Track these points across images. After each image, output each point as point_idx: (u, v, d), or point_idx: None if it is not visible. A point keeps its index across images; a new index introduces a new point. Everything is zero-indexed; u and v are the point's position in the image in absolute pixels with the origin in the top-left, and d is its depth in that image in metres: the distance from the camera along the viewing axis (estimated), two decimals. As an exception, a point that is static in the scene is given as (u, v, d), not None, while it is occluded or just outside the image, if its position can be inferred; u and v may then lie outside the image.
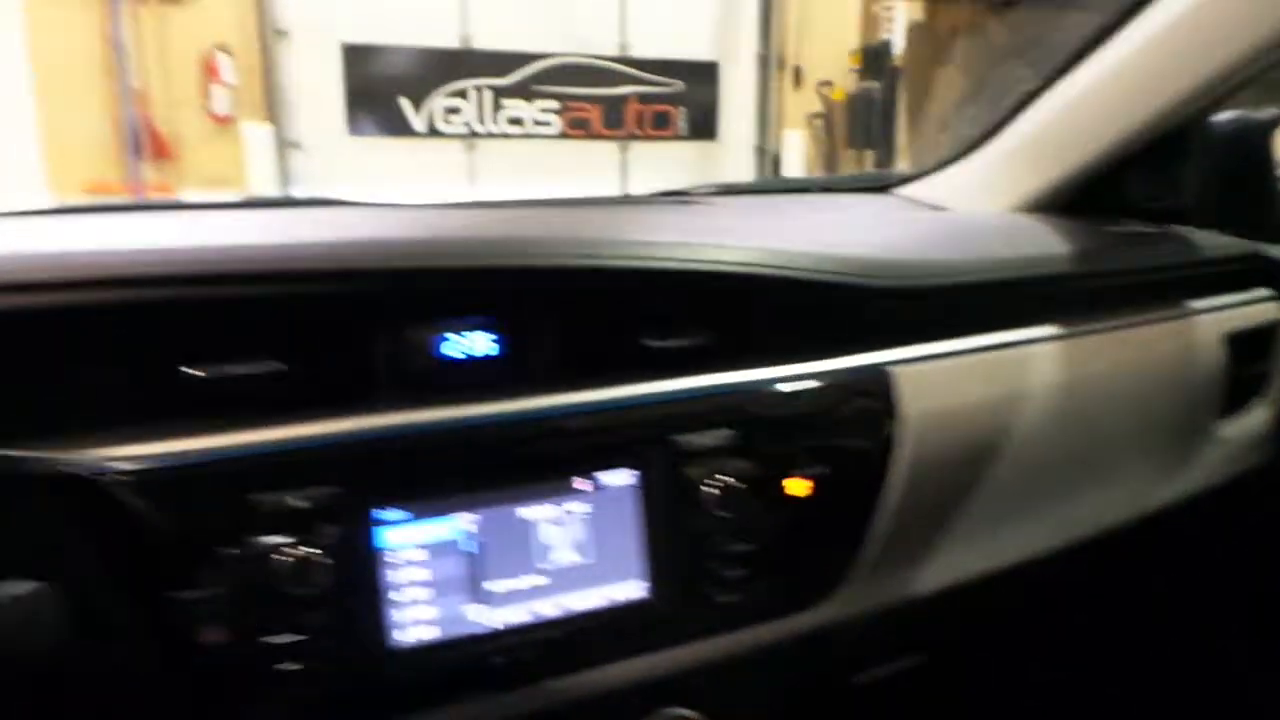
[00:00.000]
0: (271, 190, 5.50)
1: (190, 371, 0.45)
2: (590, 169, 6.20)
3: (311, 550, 0.45)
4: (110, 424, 0.44)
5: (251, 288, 0.47)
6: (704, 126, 6.44)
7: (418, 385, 0.51)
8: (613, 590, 0.56)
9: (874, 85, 5.95)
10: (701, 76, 6.36)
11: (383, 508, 0.49)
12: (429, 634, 0.51)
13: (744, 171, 6.47)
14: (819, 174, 6.47)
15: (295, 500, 0.45)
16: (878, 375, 0.61)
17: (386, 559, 0.49)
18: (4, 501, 0.40)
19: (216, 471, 0.45)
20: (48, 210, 0.73)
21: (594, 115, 6.18)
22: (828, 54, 6.37)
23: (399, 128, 5.83)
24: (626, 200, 1.10)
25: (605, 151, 6.30)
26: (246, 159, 5.49)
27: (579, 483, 0.54)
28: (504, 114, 6.02)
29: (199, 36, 5.26)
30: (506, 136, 6.06)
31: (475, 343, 0.53)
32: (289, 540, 0.45)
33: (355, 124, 5.73)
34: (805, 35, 6.42)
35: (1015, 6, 5.07)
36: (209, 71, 5.32)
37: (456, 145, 6.00)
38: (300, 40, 5.50)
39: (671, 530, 0.56)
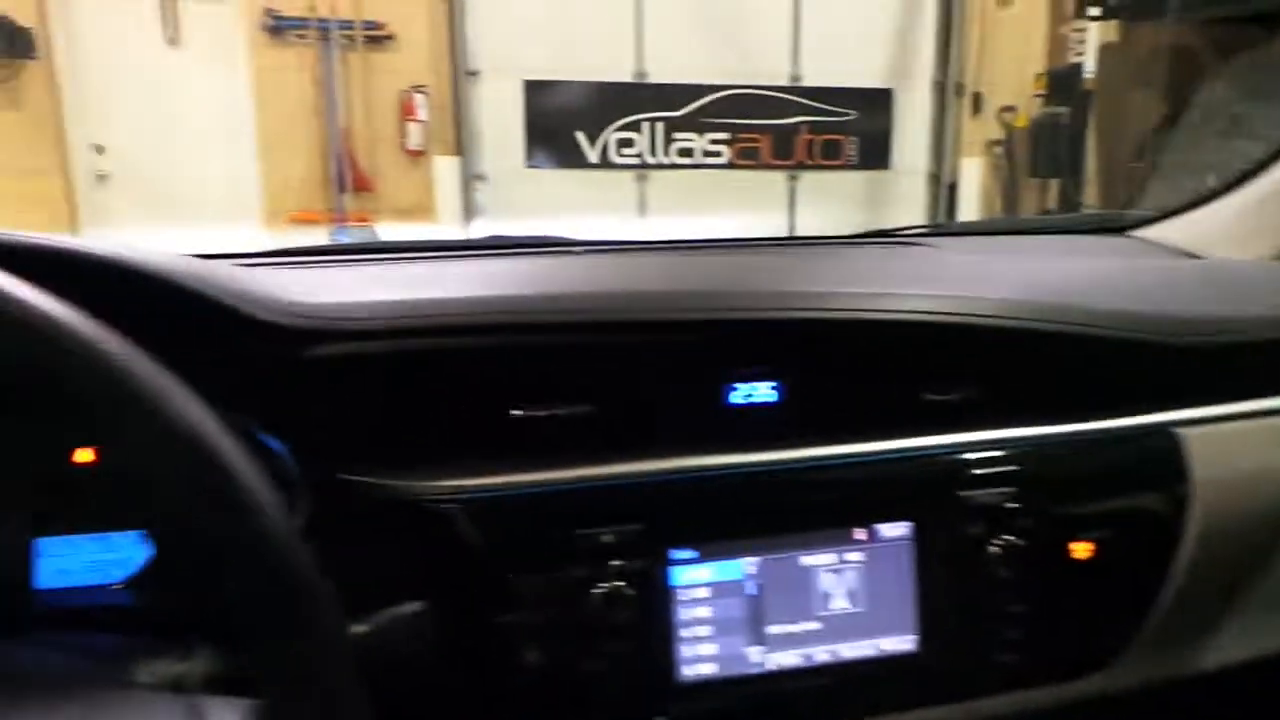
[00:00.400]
0: (457, 219, 5.85)
1: (517, 412, 0.50)
2: (758, 199, 6.21)
3: (618, 583, 0.48)
4: (453, 457, 0.49)
5: (573, 336, 0.51)
6: (876, 155, 6.31)
7: (708, 431, 0.54)
8: (884, 641, 0.56)
9: (1061, 110, 5.66)
10: (875, 104, 6.25)
11: (677, 547, 0.52)
12: (712, 670, 0.53)
13: (917, 201, 6.29)
14: (998, 203, 6.20)
15: (606, 535, 0.49)
16: (1168, 436, 0.58)
17: (679, 596, 0.52)
18: (388, 526, 0.45)
19: (539, 504, 0.49)
20: (300, 254, 0.81)
21: (763, 145, 6.20)
22: (1009, 79, 6.12)
23: (572, 160, 6.06)
24: (849, 241, 1.10)
25: (773, 182, 6.30)
26: (436, 190, 5.86)
27: (857, 532, 0.55)
28: (675, 145, 6.14)
29: (399, 78, 5.67)
30: (676, 167, 6.17)
31: (760, 391, 0.55)
32: (600, 572, 0.48)
33: (532, 157, 6.01)
34: (985, 60, 6.19)
35: (1224, 24, 4.69)
36: (406, 110, 5.72)
37: (626, 177, 6.17)
38: (488, 79, 5.83)
39: (946, 585, 0.56)
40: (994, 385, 0.57)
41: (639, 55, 5.95)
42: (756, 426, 0.55)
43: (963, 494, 0.55)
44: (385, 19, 5.56)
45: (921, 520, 0.55)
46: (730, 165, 6.21)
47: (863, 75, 6.18)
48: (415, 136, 5.79)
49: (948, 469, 0.55)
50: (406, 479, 0.48)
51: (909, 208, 6.30)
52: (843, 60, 6.11)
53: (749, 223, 6.25)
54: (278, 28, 5.41)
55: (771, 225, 6.26)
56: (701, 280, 0.66)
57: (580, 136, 6.04)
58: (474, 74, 5.81)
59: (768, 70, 6.08)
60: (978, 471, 0.55)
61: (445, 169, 5.87)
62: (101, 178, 5.35)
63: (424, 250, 0.98)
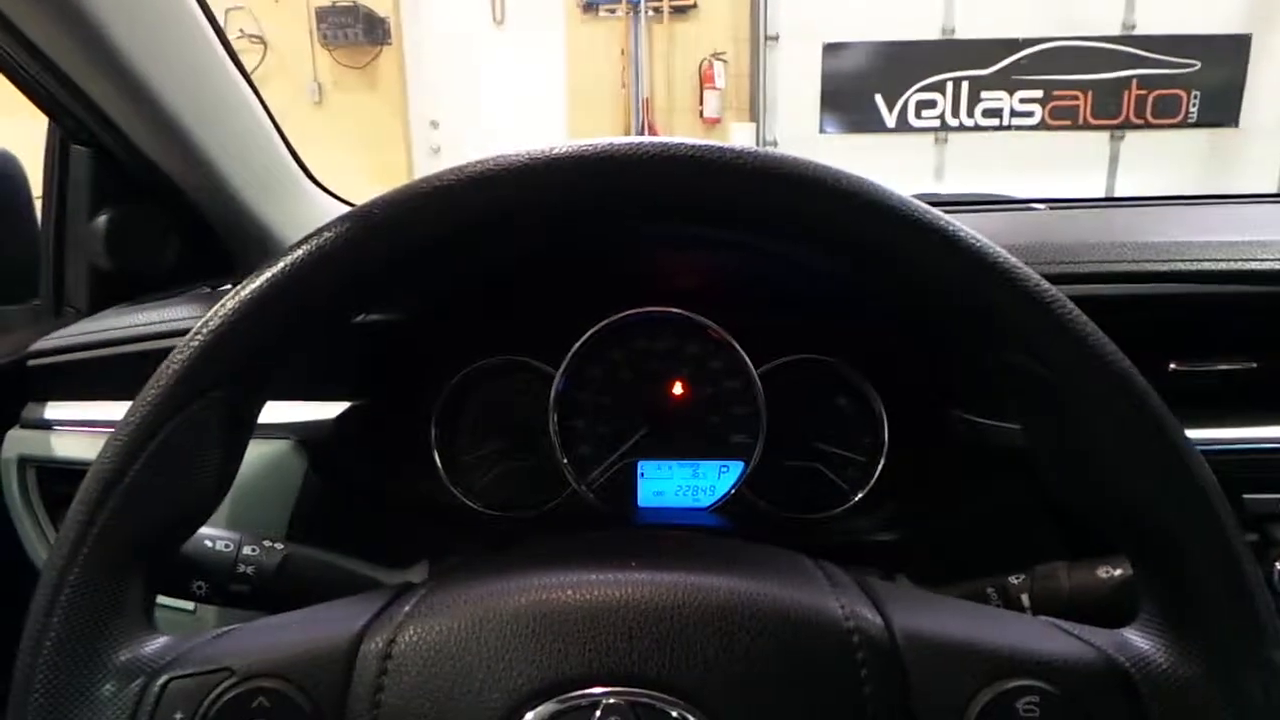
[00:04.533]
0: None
1: (1177, 367, 0.48)
2: (1070, 162, 5.72)
3: None
4: None
5: (1229, 286, 0.50)
6: (1222, 111, 5.60)
7: None
8: None
9: None
10: (1225, 52, 5.53)
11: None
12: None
13: (1270, 163, 5.52)
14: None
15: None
16: None
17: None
18: None
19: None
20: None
21: (1082, 102, 5.68)
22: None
23: (868, 123, 5.87)
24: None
25: (1090, 142, 5.77)
26: (731, 158, 5.90)
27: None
28: (980, 106, 5.77)
29: (699, 47, 5.74)
30: (980, 129, 5.81)
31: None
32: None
33: (825, 121, 5.89)
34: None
35: None
36: (705, 78, 5.78)
37: (924, 140, 5.89)
38: (787, 43, 5.76)
39: None
40: None
41: (948, 10, 5.63)
42: None
43: None
44: (691, -11, 5.63)
45: None
46: (1042, 125, 5.75)
47: (1213, 19, 5.48)
48: (712, 104, 5.85)
49: None
50: None
51: (1259, 171, 5.55)
52: (1188, 3, 5.44)
53: (1058, 189, 5.79)
54: (591, 3, 5.63)
55: (1086, 192, 5.74)
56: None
57: (878, 98, 5.84)
58: (773, 39, 5.76)
59: (1095, 19, 5.53)
60: None
61: (741, 135, 5.88)
62: (435, 150, 5.86)
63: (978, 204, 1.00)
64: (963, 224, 0.36)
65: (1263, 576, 0.35)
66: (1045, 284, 0.35)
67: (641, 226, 0.39)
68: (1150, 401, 0.34)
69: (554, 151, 0.37)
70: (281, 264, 0.37)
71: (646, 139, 0.37)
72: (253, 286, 0.38)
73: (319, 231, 0.38)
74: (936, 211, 0.36)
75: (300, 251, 0.37)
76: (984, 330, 0.36)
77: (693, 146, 0.36)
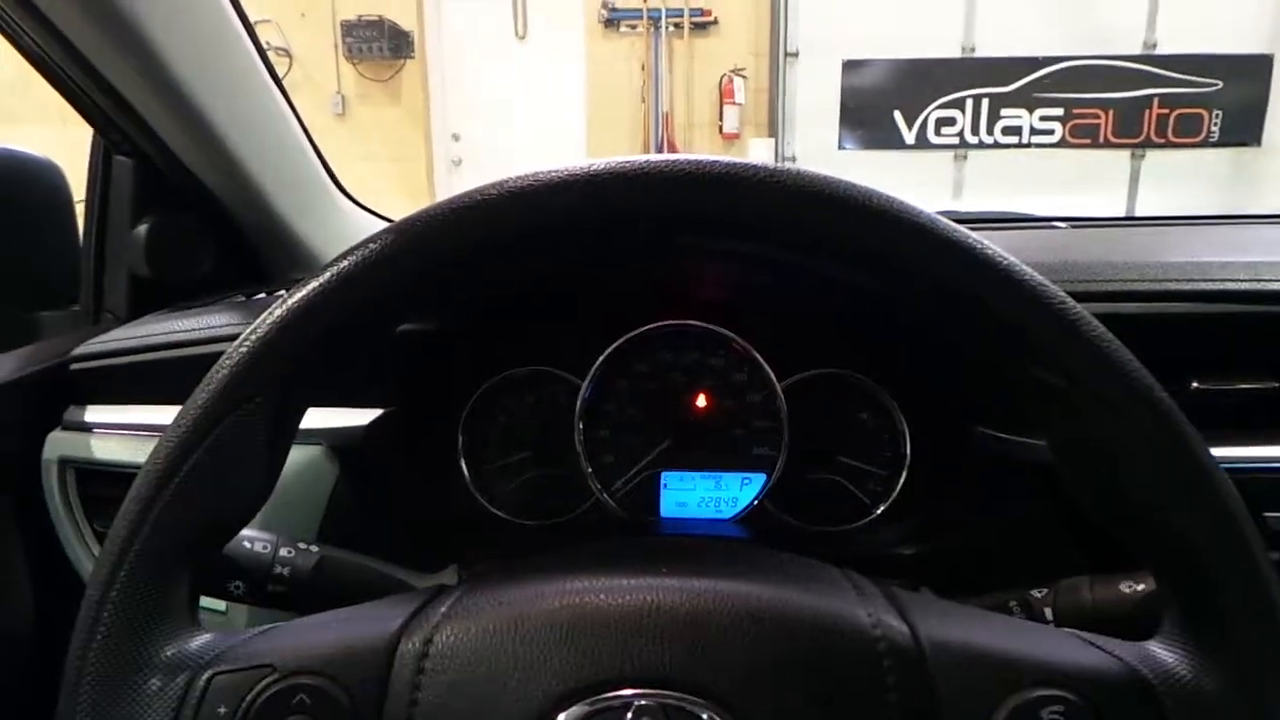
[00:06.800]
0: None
1: (1199, 385, 0.49)
2: (1091, 181, 5.70)
3: None
4: None
5: (1251, 306, 0.51)
6: (1245, 130, 5.57)
7: None
8: None
9: None
10: (1246, 72, 5.50)
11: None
12: None
13: (1293, 182, 5.49)
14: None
15: None
16: None
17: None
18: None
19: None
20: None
21: (1104, 121, 5.67)
22: None
23: (887, 140, 5.87)
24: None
25: (1111, 161, 5.75)
26: (749, 173, 5.91)
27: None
28: (1000, 123, 5.77)
29: (719, 62, 5.77)
30: (998, 146, 5.81)
31: None
32: None
33: (844, 137, 5.89)
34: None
35: None
36: (725, 94, 5.81)
37: (942, 157, 5.89)
38: (807, 59, 5.78)
39: None
40: None
41: (968, 28, 5.63)
42: None
43: None
44: (711, 5, 5.66)
45: None
46: (1062, 143, 5.74)
47: (1235, 39, 5.46)
48: (731, 119, 5.88)
49: None
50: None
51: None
52: (1211, 23, 5.42)
53: (1078, 207, 5.76)
54: (612, 19, 5.68)
55: (1106, 210, 5.72)
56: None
57: (897, 115, 5.84)
58: (793, 55, 5.78)
59: (1116, 38, 5.53)
60: None
61: (759, 151, 5.90)
62: (456, 163, 5.92)
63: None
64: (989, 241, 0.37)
65: None
66: (1070, 301, 0.36)
67: (675, 241, 0.40)
68: (1174, 417, 0.35)
69: (593, 168, 0.38)
70: (329, 273, 0.39)
71: (681, 156, 0.39)
72: (301, 294, 0.39)
73: (365, 242, 0.39)
74: (964, 229, 0.37)
75: (347, 262, 0.39)
76: (1010, 346, 0.37)
77: (727, 164, 0.38)
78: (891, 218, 0.37)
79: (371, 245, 0.39)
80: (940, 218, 0.37)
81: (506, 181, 0.39)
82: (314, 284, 0.39)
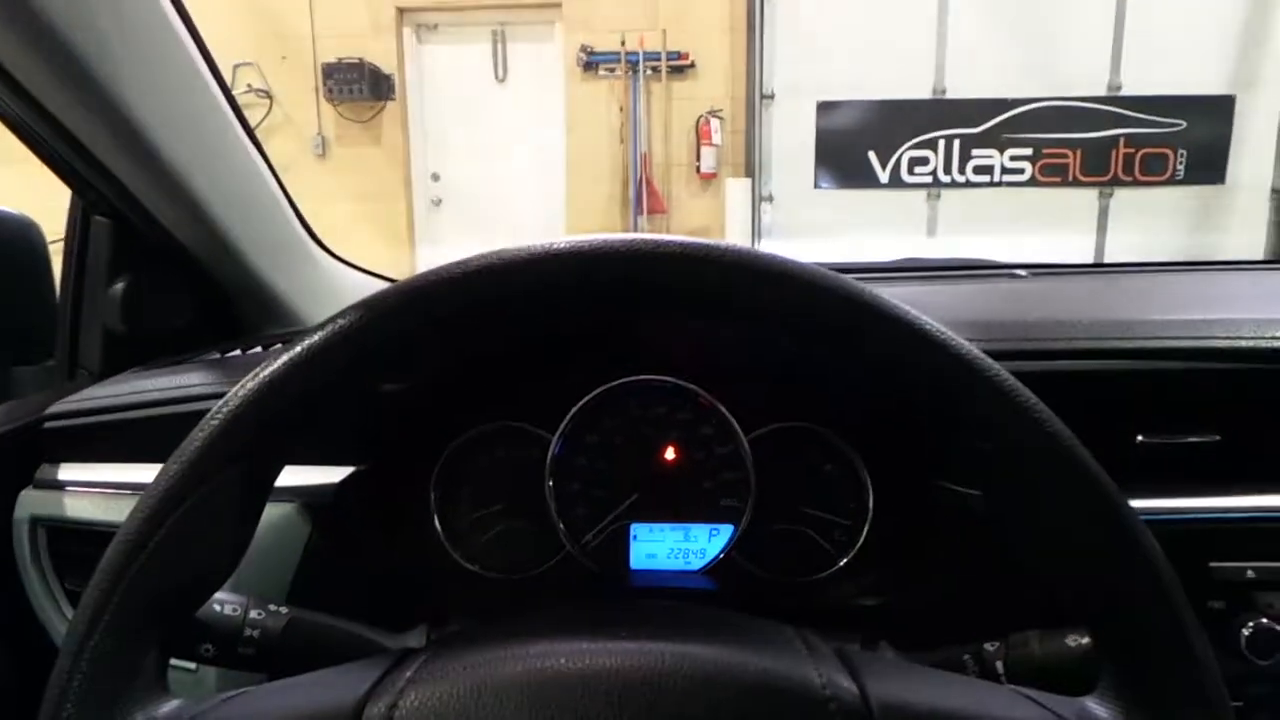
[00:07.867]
0: (745, 237, 5.95)
1: (1145, 439, 0.52)
2: (1061, 219, 5.82)
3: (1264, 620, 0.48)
4: None
5: (1192, 363, 0.54)
6: (1209, 169, 5.72)
7: None
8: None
9: None
10: (1211, 112, 5.66)
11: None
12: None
13: (1256, 220, 5.63)
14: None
15: (1250, 570, 0.48)
16: None
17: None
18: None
19: (1172, 532, 0.49)
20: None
21: (1072, 160, 5.80)
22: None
23: (861, 180, 5.97)
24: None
25: (1079, 199, 5.88)
26: (726, 212, 5.99)
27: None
28: (971, 163, 5.89)
29: (696, 104, 5.86)
30: (972, 185, 5.92)
31: None
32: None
33: (820, 177, 5.99)
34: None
35: None
36: (702, 135, 5.90)
37: (916, 196, 6.00)
38: (782, 100, 5.89)
39: None
40: None
41: (939, 71, 5.77)
42: None
43: None
44: (688, 49, 5.77)
45: None
46: (1033, 182, 5.87)
47: (1197, 81, 5.63)
48: (708, 160, 5.96)
49: None
50: None
51: (1245, 227, 5.65)
52: (1173, 66, 5.59)
53: (1048, 244, 5.88)
54: (591, 63, 5.77)
55: (1075, 247, 5.84)
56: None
57: (871, 156, 5.95)
58: (769, 97, 5.89)
59: (1082, 81, 5.68)
60: None
61: (736, 191, 5.98)
62: (436, 203, 5.95)
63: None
64: (913, 305, 0.39)
65: (1208, 643, 0.37)
66: (984, 357, 0.38)
67: (636, 313, 0.42)
68: (1090, 469, 0.37)
69: (552, 247, 0.40)
70: (299, 347, 0.40)
71: (639, 236, 0.41)
72: (273, 368, 0.41)
73: (334, 318, 0.41)
74: (886, 298, 0.39)
75: (318, 335, 0.40)
76: (938, 405, 0.39)
77: (679, 244, 0.40)
78: (802, 284, 0.39)
79: (340, 320, 0.41)
80: (865, 286, 0.39)
81: (471, 260, 0.41)
82: (285, 357, 0.41)
